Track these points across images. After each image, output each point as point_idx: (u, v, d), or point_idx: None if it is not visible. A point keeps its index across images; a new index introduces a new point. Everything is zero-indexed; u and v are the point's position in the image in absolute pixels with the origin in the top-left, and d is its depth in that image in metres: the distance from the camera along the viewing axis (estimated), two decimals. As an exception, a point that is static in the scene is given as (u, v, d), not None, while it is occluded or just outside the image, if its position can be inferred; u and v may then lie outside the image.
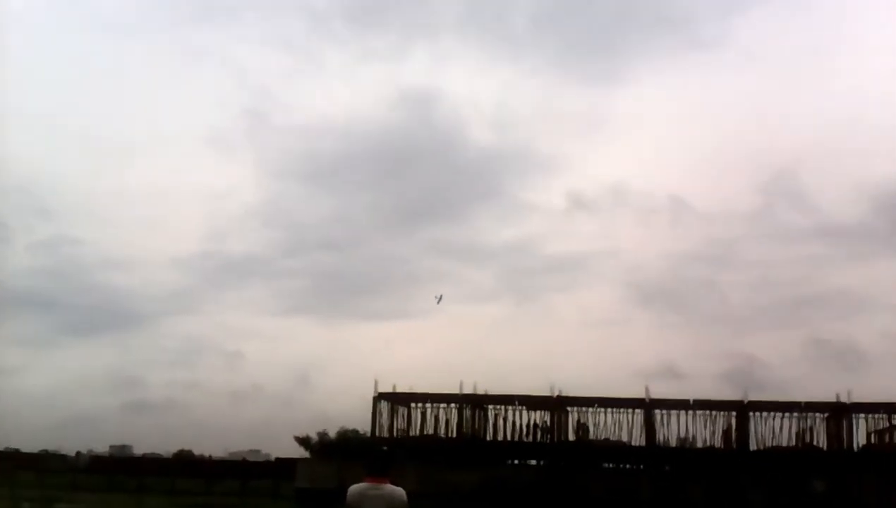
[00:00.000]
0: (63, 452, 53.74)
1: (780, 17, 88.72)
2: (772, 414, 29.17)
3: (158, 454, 62.88)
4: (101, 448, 61.21)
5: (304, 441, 48.66)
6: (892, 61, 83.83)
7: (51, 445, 56.48)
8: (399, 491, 6.58)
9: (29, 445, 53.37)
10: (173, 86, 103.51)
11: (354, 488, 6.61)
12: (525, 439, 30.62)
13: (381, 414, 31.00)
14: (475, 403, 30.79)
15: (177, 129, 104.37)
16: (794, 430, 29.23)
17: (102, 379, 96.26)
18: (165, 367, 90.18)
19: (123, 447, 71.22)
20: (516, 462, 31.55)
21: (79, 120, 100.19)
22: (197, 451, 58.99)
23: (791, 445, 29.05)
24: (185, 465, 52.20)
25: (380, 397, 30.83)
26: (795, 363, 65.08)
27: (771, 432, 29.16)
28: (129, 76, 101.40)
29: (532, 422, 30.69)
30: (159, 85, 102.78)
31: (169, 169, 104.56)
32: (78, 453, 52.64)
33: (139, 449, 69.56)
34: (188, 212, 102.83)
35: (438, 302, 33.66)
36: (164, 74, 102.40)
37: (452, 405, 30.87)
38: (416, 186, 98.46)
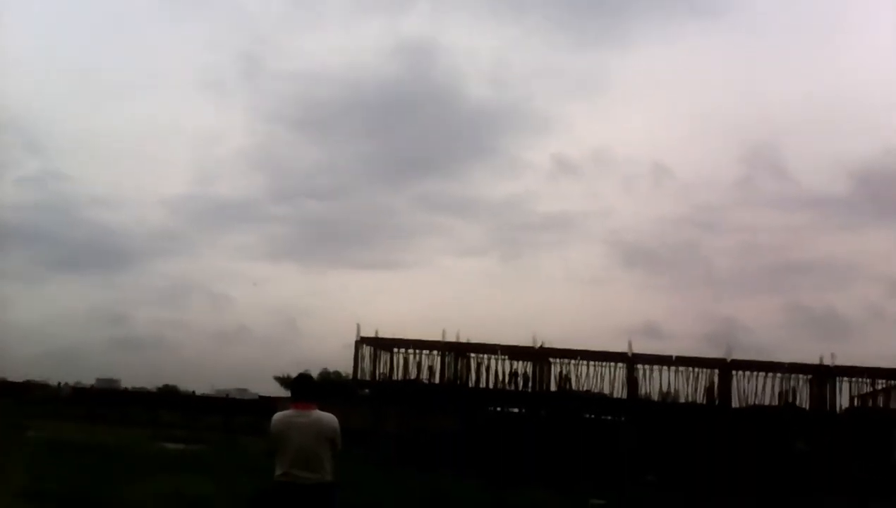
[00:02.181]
0: (48, 383, 53.66)
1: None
2: (755, 373, 28.95)
3: (144, 388, 62.97)
4: (89, 381, 60.95)
5: (284, 381, 48.28)
6: (888, 44, 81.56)
7: (38, 376, 56.34)
8: (330, 417, 5.89)
9: (15, 375, 53.10)
10: (167, 27, 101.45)
11: (279, 415, 5.90)
12: (507, 387, 30.42)
13: (363, 359, 30.72)
14: (458, 351, 30.48)
15: (170, 70, 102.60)
16: (776, 390, 29.06)
17: (90, 314, 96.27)
18: (153, 305, 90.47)
19: (110, 380, 71.30)
20: (498, 409, 31.41)
21: (71, 56, 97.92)
22: (182, 388, 58.98)
23: (773, 404, 28.91)
24: (169, 398, 52.29)
25: (362, 341, 30.51)
26: (778, 328, 65.07)
27: (753, 391, 28.97)
28: (123, 14, 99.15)
29: (514, 371, 30.46)
30: (153, 24, 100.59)
31: (160, 109, 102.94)
32: (59, 383, 52.51)
33: (126, 384, 69.82)
34: (178, 152, 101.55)
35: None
36: (158, 14, 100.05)
37: (435, 352, 30.60)
38: (410, 139, 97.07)
